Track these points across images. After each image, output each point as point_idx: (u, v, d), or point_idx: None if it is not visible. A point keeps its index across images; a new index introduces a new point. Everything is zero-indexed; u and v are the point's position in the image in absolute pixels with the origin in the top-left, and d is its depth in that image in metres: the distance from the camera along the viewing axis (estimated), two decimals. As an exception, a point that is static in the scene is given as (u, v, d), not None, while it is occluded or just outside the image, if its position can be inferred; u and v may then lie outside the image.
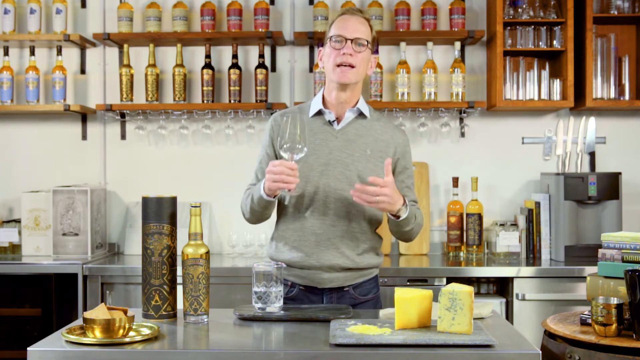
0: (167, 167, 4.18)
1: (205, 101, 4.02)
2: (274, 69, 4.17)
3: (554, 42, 3.95)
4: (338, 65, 2.43)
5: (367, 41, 2.46)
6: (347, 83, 2.45)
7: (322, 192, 2.46)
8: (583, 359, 2.13)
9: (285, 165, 2.26)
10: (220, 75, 4.14)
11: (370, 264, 2.54)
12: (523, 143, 4.17)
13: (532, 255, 3.88)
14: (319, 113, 2.52)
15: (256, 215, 2.50)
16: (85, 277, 3.61)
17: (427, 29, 4.00)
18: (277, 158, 2.51)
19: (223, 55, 4.18)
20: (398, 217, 2.39)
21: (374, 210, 2.50)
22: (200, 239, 2.20)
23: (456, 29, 3.99)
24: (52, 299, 3.59)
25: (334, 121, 2.52)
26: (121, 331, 1.96)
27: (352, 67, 2.43)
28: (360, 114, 2.54)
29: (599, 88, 3.97)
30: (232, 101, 4.02)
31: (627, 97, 3.99)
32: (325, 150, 2.48)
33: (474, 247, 3.90)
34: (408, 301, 2.04)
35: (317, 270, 2.48)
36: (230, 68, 4.02)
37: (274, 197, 2.38)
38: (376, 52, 3.98)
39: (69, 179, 4.17)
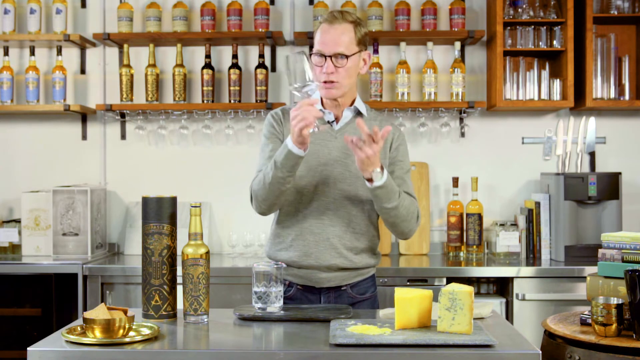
0: (167, 167, 4.18)
1: (205, 101, 4.02)
2: (274, 69, 4.17)
3: (554, 42, 3.95)
4: (322, 82, 2.43)
5: (348, 55, 2.41)
6: (333, 98, 2.48)
7: (321, 192, 2.47)
8: (583, 359, 2.13)
9: (304, 102, 2.23)
10: (220, 75, 4.14)
11: (368, 264, 2.55)
12: (523, 143, 4.17)
13: (532, 255, 3.88)
14: None
15: (276, 188, 2.35)
16: (85, 277, 3.61)
17: (427, 29, 4.00)
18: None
19: (223, 55, 4.18)
20: (371, 180, 2.30)
21: (373, 209, 2.51)
22: (200, 239, 2.20)
23: (456, 29, 3.99)
24: (52, 299, 3.59)
25: (333, 121, 2.52)
26: (121, 331, 1.96)
27: (335, 82, 2.43)
28: (358, 113, 2.55)
29: (599, 88, 3.97)
30: (232, 101, 4.02)
31: (627, 97, 3.99)
32: (324, 151, 2.48)
33: (474, 247, 3.90)
34: (408, 301, 2.05)
35: (315, 270, 2.48)
36: (230, 68, 4.02)
37: (304, 150, 2.28)
38: (375, 51, 3.99)
39: (69, 179, 4.17)
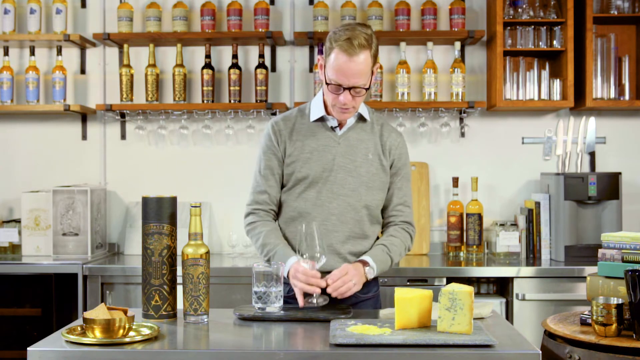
0: (167, 167, 4.18)
1: (205, 101, 4.02)
2: (274, 69, 4.17)
3: (554, 42, 3.95)
4: (337, 105, 2.42)
5: (365, 87, 2.38)
6: (346, 119, 2.48)
7: (324, 198, 2.46)
8: (583, 359, 2.13)
9: (309, 274, 2.29)
10: (220, 75, 4.14)
11: (371, 265, 2.55)
12: (523, 143, 4.17)
13: (532, 255, 3.88)
14: (321, 118, 2.51)
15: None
16: (85, 277, 3.61)
17: (427, 29, 4.00)
18: (283, 162, 2.50)
19: (223, 55, 4.18)
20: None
21: (376, 214, 2.52)
22: (200, 239, 2.20)
23: (456, 29, 3.99)
24: (52, 299, 3.59)
25: (336, 127, 2.51)
26: (121, 331, 1.96)
27: (351, 108, 2.42)
28: (361, 118, 2.54)
29: (599, 88, 3.97)
30: (232, 101, 4.02)
31: (627, 97, 3.99)
32: (328, 157, 2.47)
33: (474, 247, 3.90)
34: (408, 301, 2.05)
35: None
36: (230, 68, 4.02)
37: None
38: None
39: (69, 179, 4.17)
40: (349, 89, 2.36)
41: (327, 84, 2.39)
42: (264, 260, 2.45)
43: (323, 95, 2.51)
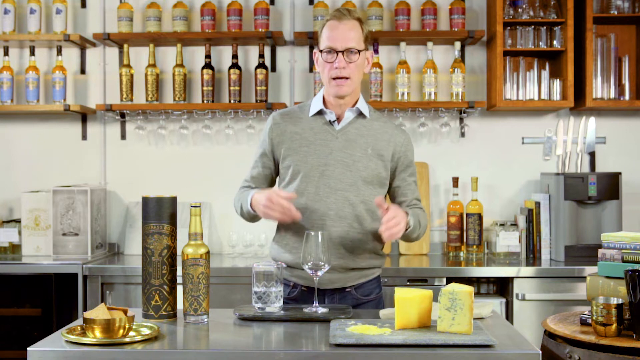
0: (167, 167, 4.18)
1: (205, 101, 4.02)
2: (274, 69, 4.17)
3: (554, 42, 3.95)
4: (333, 79, 2.44)
5: (359, 49, 2.44)
6: (344, 95, 2.47)
7: (322, 193, 2.46)
8: (583, 359, 2.13)
9: (281, 195, 2.32)
10: (220, 75, 4.14)
11: (372, 265, 2.54)
12: (523, 143, 4.17)
13: (532, 255, 3.88)
14: (320, 112, 2.52)
15: (248, 218, 2.56)
16: (85, 277, 3.61)
17: (427, 29, 4.00)
18: (274, 158, 2.54)
19: (223, 55, 4.18)
20: (406, 228, 2.40)
21: (376, 210, 2.50)
22: (200, 239, 2.21)
23: (456, 29, 3.99)
24: (52, 299, 3.59)
25: (334, 121, 2.52)
26: (121, 331, 1.96)
27: (347, 78, 2.44)
28: (360, 114, 2.54)
29: (599, 88, 3.97)
30: (232, 101, 4.02)
31: (627, 97, 3.99)
32: (325, 151, 2.48)
33: (474, 247, 3.90)
34: (408, 301, 2.05)
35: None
36: (230, 68, 4.02)
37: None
38: (375, 51, 3.99)
39: (69, 179, 4.17)
40: (342, 52, 2.41)
41: (322, 53, 2.45)
42: (239, 208, 2.52)
43: (323, 91, 2.53)
